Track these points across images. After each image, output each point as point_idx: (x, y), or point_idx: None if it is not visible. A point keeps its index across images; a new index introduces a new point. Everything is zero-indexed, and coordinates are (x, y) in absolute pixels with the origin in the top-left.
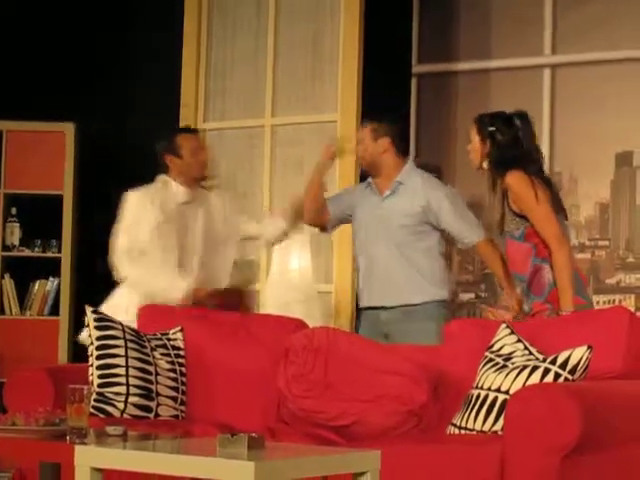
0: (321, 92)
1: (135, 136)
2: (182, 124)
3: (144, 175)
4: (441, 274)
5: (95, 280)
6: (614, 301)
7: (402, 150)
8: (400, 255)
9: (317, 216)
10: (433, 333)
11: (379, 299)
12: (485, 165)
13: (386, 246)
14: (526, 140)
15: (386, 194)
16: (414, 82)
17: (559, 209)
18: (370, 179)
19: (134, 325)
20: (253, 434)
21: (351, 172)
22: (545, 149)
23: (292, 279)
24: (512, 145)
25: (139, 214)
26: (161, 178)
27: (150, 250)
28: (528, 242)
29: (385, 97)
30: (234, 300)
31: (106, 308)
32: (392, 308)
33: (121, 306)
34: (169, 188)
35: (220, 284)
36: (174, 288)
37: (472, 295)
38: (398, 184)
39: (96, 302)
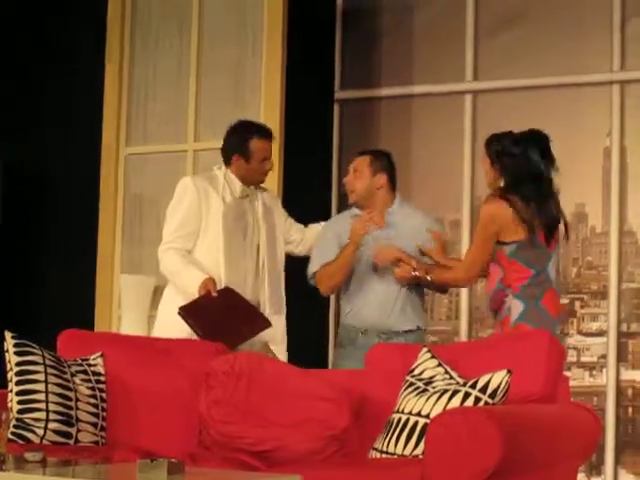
0: (243, 117)
1: (58, 166)
2: (104, 144)
3: (69, 206)
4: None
5: (15, 307)
6: None
7: (394, 186)
8: (396, 284)
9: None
10: None
11: (376, 324)
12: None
13: (384, 276)
14: (532, 160)
15: (383, 228)
16: (337, 108)
17: (548, 244)
18: (356, 210)
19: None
20: (173, 459)
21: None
22: (467, 175)
23: None
24: (518, 168)
25: (198, 201)
26: (221, 169)
27: (206, 238)
28: (498, 264)
29: (308, 123)
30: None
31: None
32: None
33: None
34: (228, 180)
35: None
36: (192, 283)
37: None
38: (391, 216)
39: (17, 328)
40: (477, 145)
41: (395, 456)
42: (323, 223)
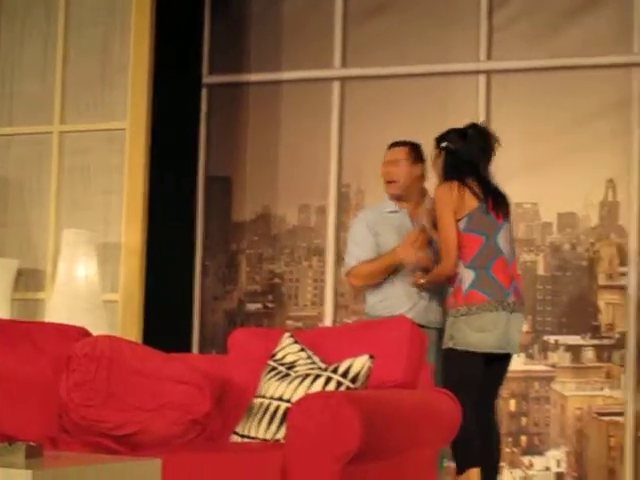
0: (110, 100)
1: None
2: None
3: None
4: None
5: None
6: None
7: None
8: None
9: None
10: None
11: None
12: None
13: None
14: (474, 149)
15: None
16: (205, 92)
17: (496, 214)
18: (389, 206)
19: None
20: (31, 443)
21: None
22: (333, 162)
23: (78, 288)
24: (462, 156)
25: None
26: None
27: None
28: None
29: (176, 107)
30: None
31: None
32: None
33: None
34: None
35: None
36: None
37: (259, 305)
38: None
39: None
40: (344, 132)
41: (257, 440)
42: None
